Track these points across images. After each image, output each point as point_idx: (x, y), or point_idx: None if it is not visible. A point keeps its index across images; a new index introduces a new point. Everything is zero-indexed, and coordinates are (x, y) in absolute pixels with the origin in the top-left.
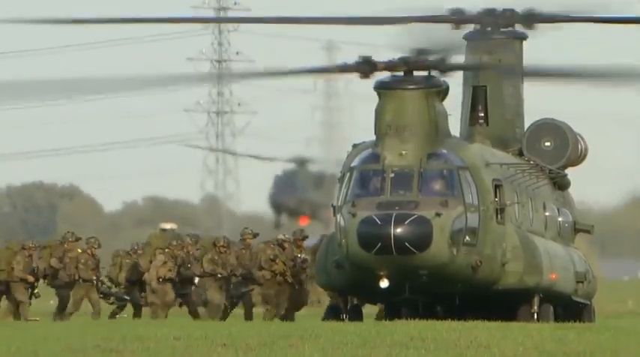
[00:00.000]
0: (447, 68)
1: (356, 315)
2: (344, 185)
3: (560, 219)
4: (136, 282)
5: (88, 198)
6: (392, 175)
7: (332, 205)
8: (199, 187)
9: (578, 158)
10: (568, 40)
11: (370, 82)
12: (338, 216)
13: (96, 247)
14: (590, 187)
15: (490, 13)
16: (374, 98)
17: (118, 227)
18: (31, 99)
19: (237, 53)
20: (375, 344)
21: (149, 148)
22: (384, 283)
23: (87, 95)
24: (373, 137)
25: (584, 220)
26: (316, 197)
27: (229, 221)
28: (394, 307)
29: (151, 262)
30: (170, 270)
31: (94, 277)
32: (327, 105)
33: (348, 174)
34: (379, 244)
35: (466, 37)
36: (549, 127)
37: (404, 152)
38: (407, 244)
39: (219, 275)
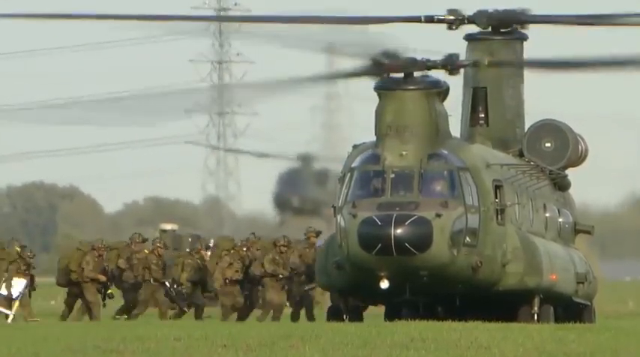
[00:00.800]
0: (455, 67)
1: (356, 316)
2: (344, 186)
3: (560, 220)
4: (199, 283)
5: (88, 198)
6: (392, 175)
7: (332, 205)
8: (200, 188)
9: (578, 159)
10: (567, 41)
11: (369, 83)
12: (338, 217)
13: (162, 247)
14: (591, 187)
15: (486, 13)
16: (374, 99)
17: (119, 228)
18: (31, 98)
19: (238, 54)
20: (376, 345)
21: (150, 149)
22: (385, 284)
23: (87, 95)
24: (373, 138)
25: (584, 221)
26: (320, 195)
27: (230, 222)
28: (394, 308)
29: (217, 263)
30: (237, 271)
31: (163, 278)
32: (328, 106)
33: (349, 175)
34: (380, 244)
35: (466, 39)
36: (550, 128)
37: (404, 153)
38: (407, 244)
39: (280, 276)
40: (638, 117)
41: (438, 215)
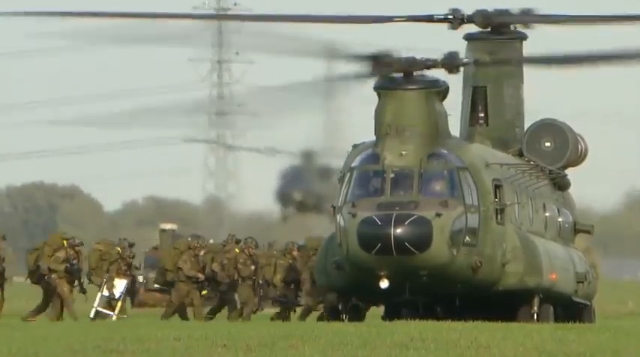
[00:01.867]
0: (454, 66)
1: (356, 315)
2: (344, 185)
3: (560, 219)
4: (292, 283)
5: (88, 198)
6: (392, 175)
7: (332, 205)
8: (200, 188)
9: (578, 158)
10: (568, 40)
11: (369, 83)
12: (338, 216)
13: (253, 247)
14: (591, 187)
15: (485, 13)
16: (374, 99)
17: (119, 227)
18: (31, 98)
19: (237, 53)
20: (376, 345)
21: (149, 149)
22: (384, 284)
23: (86, 95)
24: (373, 138)
25: (584, 221)
26: (322, 190)
27: (230, 222)
28: (394, 308)
29: (306, 263)
30: None
31: (254, 277)
32: (327, 106)
33: (348, 174)
34: (379, 244)
35: (466, 38)
36: (549, 128)
37: (404, 153)
38: (407, 244)
39: None
40: (638, 116)
41: (438, 215)
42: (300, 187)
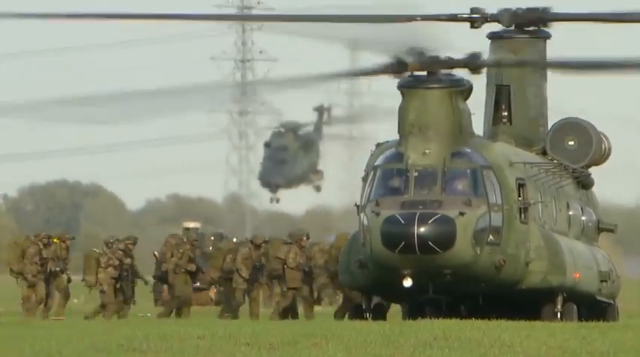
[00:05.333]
0: (477, 66)
1: (379, 314)
2: (367, 184)
3: (583, 218)
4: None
5: (111, 196)
6: (415, 174)
7: (355, 204)
8: (223, 186)
9: (601, 157)
10: (591, 39)
11: (392, 81)
12: (361, 215)
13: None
14: (614, 186)
15: (509, 12)
16: (397, 96)
17: (142, 226)
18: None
19: (261, 52)
20: (399, 344)
21: (172, 147)
22: (408, 283)
23: (109, 93)
24: (397, 136)
25: (607, 219)
26: (306, 164)
27: (252, 219)
28: (418, 307)
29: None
30: None
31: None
32: (350, 103)
33: (372, 173)
34: (403, 243)
35: (489, 37)
36: (573, 127)
37: (427, 151)
38: (430, 243)
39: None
40: None
41: (462, 214)
42: (283, 172)
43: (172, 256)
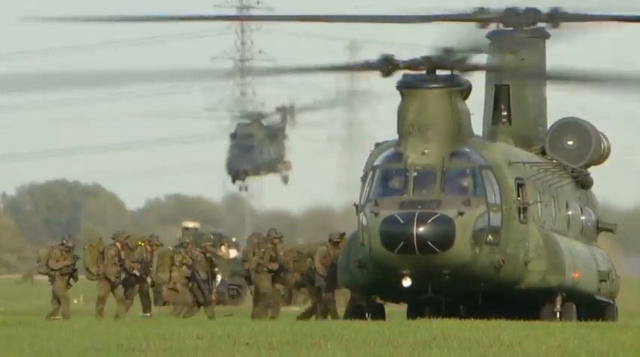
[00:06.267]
0: (468, 68)
1: (378, 314)
2: (366, 184)
3: (583, 218)
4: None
5: (111, 196)
6: (414, 174)
7: (355, 204)
8: (222, 186)
9: (600, 157)
10: (592, 39)
11: (392, 81)
12: (360, 215)
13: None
14: (614, 185)
15: (514, 11)
16: (396, 97)
17: (141, 225)
18: (56, 95)
19: (260, 52)
20: (398, 343)
21: (172, 147)
22: (407, 282)
23: (109, 93)
24: (396, 136)
25: (607, 219)
26: (273, 152)
27: (251, 219)
28: (417, 306)
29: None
30: None
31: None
32: (350, 103)
33: (371, 173)
34: (402, 243)
35: (489, 36)
36: (572, 126)
37: (426, 151)
38: (430, 243)
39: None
40: None
41: (461, 213)
42: (250, 160)
43: (254, 255)
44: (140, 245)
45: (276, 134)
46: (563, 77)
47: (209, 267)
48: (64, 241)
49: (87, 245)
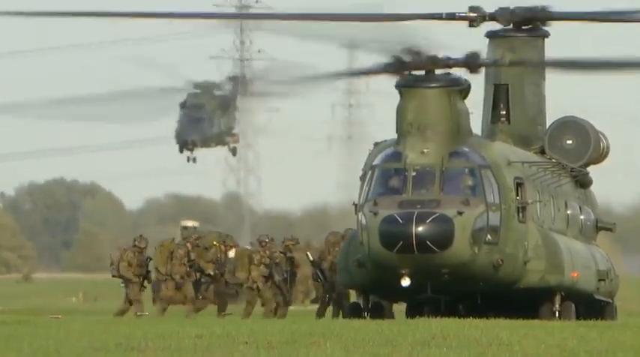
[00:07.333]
0: (476, 66)
1: (377, 313)
2: (365, 183)
3: (582, 217)
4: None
5: (109, 195)
6: (413, 173)
7: (353, 203)
8: (221, 185)
9: (600, 156)
10: (590, 38)
11: (390, 80)
12: (359, 214)
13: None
14: (613, 184)
15: (508, 10)
16: (395, 95)
17: (140, 225)
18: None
19: (259, 51)
20: (397, 342)
21: (171, 146)
22: (406, 282)
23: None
24: (395, 135)
25: (606, 218)
26: (223, 124)
27: (251, 219)
28: (416, 306)
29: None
30: None
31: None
32: (348, 102)
33: (370, 172)
34: (401, 242)
35: (488, 35)
36: (571, 125)
37: (425, 151)
38: (428, 242)
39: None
40: None
41: (460, 213)
42: (199, 127)
43: (329, 254)
44: (214, 245)
45: (227, 105)
46: (564, 65)
47: (289, 266)
48: (136, 242)
49: (158, 245)
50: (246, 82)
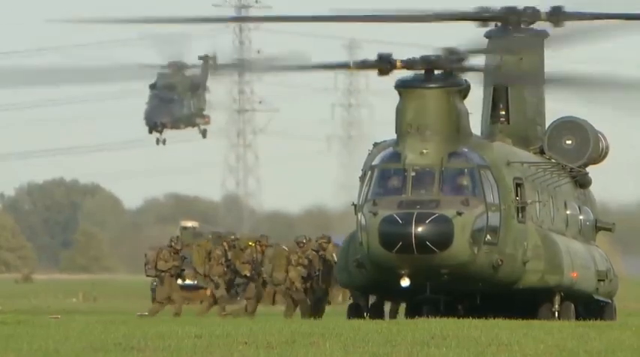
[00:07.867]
0: (466, 69)
1: (377, 313)
2: (365, 184)
3: (581, 217)
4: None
5: (109, 195)
6: (413, 174)
7: (353, 203)
8: (220, 185)
9: (599, 156)
10: (592, 39)
11: (390, 80)
12: (359, 215)
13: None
14: (612, 184)
15: (514, 10)
16: (395, 96)
17: (140, 225)
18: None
19: (259, 51)
20: (397, 342)
21: (170, 146)
22: (405, 282)
23: (108, 92)
24: (394, 135)
25: (605, 218)
26: (193, 105)
27: (250, 219)
28: (415, 306)
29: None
30: None
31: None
32: (348, 102)
33: (369, 173)
34: (400, 243)
35: (487, 35)
36: (570, 126)
37: (425, 151)
38: (428, 243)
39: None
40: None
41: (459, 213)
42: (170, 112)
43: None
44: (250, 246)
45: (197, 86)
46: (562, 81)
47: (322, 265)
48: (172, 243)
49: (195, 245)
50: (215, 62)
